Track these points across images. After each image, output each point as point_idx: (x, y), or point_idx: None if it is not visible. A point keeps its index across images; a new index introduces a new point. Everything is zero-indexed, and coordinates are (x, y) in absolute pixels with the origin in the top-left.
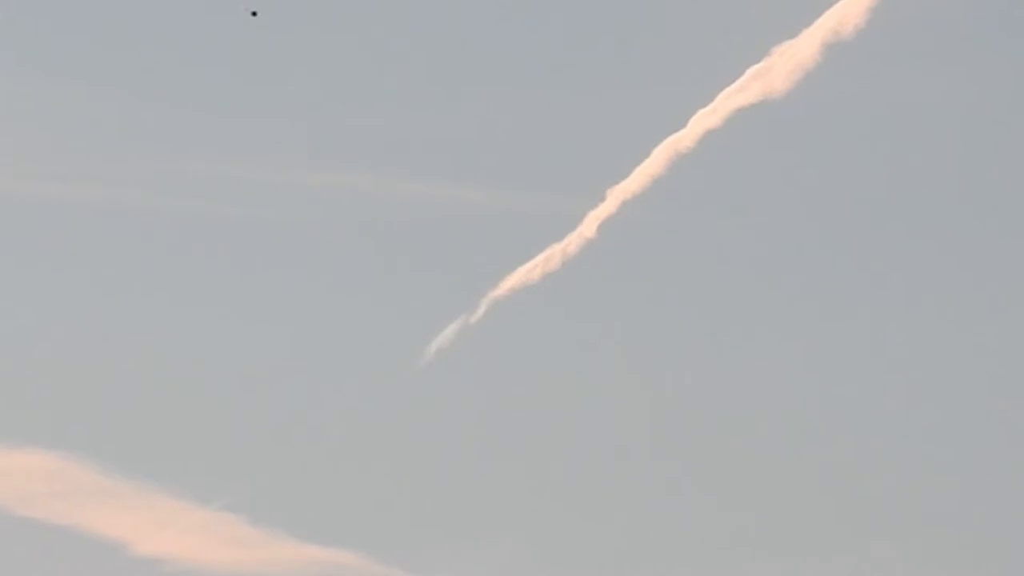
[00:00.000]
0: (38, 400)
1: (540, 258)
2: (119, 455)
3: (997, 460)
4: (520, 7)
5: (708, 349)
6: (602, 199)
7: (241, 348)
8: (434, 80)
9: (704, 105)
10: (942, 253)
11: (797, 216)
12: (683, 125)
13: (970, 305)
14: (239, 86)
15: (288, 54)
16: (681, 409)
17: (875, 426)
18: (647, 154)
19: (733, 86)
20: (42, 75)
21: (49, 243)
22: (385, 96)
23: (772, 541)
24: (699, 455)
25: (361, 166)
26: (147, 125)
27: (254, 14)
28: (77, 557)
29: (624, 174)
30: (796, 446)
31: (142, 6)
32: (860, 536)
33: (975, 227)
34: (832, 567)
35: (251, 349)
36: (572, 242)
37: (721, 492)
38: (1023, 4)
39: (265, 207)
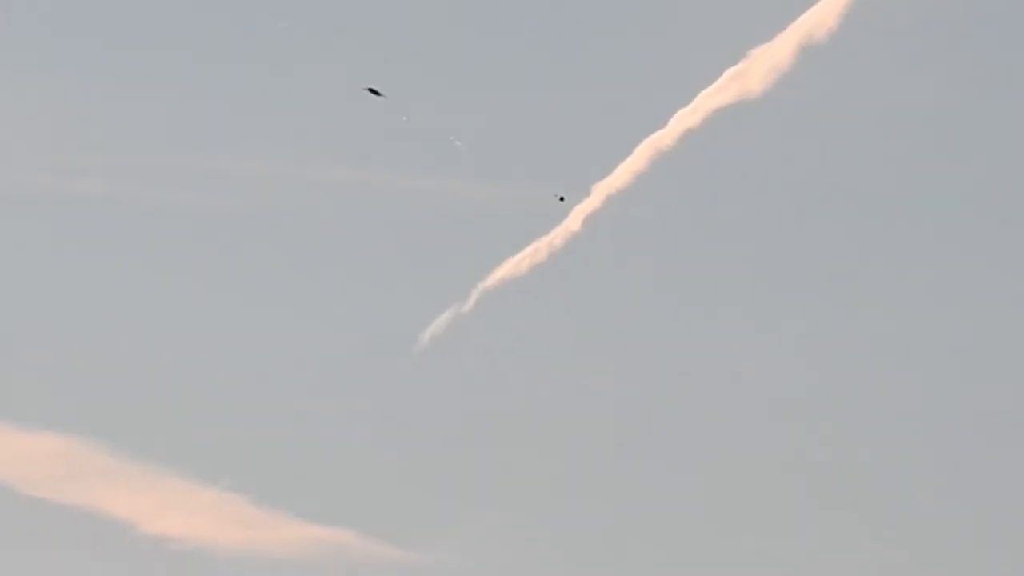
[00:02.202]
0: (50, 386)
1: (528, 250)
2: (128, 438)
3: (981, 451)
4: (511, 10)
5: (687, 338)
6: (587, 194)
7: (243, 336)
8: (427, 79)
9: (684, 105)
10: (915, 248)
11: (773, 211)
12: (664, 124)
13: (945, 298)
14: (239, 84)
15: (288, 55)
16: (660, 395)
17: (857, 415)
18: (630, 151)
19: (712, 87)
20: (44, 73)
21: (58, 236)
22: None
23: (760, 527)
24: (680, 441)
25: (356, 162)
26: (147, 121)
27: (562, 199)
28: (88, 536)
29: (608, 170)
30: (777, 434)
31: (144, 5)
32: (852, 526)
33: (947, 222)
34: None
35: (253, 338)
36: (558, 235)
37: (706, 478)
38: (990, 7)
39: (261, 201)
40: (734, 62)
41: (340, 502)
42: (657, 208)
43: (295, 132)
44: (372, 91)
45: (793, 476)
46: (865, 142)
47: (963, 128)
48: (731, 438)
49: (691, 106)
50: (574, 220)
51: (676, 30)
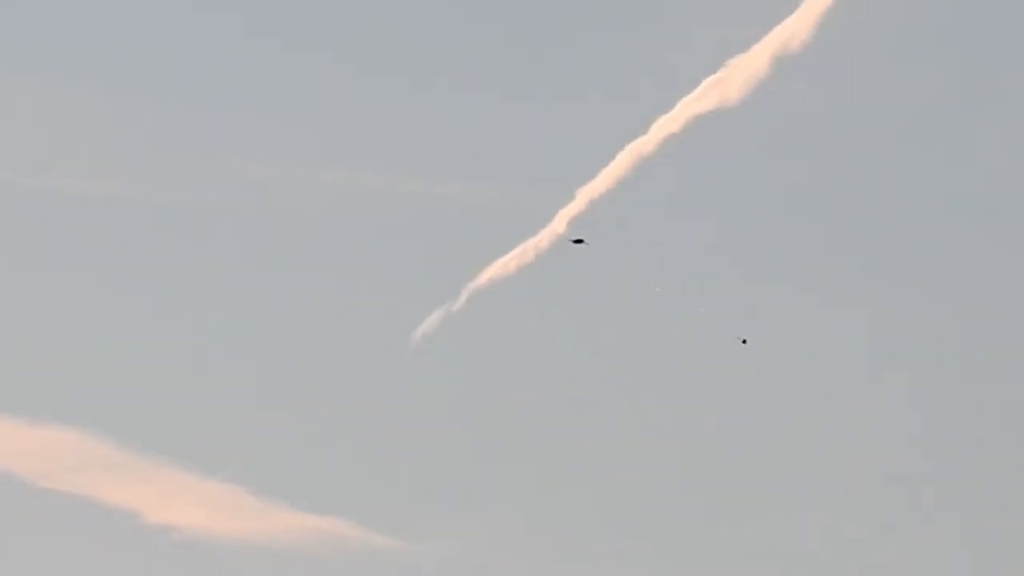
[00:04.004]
0: (56, 382)
1: (516, 251)
2: (132, 431)
3: (981, 450)
4: (500, 16)
5: (670, 336)
6: (572, 198)
7: (243, 334)
8: (422, 85)
9: (665, 112)
10: (893, 249)
11: (749, 213)
12: (646, 130)
13: (927, 298)
14: (239, 84)
15: (288, 55)
16: (646, 391)
17: (847, 413)
18: (613, 157)
19: (691, 95)
20: (44, 73)
21: (58, 236)
22: (373, 96)
23: (756, 524)
24: (668, 437)
25: (352, 163)
26: (147, 121)
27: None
28: (94, 525)
29: (592, 175)
30: (772, 433)
31: (145, 7)
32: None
33: (922, 224)
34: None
35: (253, 335)
36: (544, 237)
37: (696, 474)
38: (962, 16)
39: (261, 201)
40: (713, 71)
41: (336, 493)
42: (638, 211)
43: (295, 132)
44: (576, 241)
45: (788, 474)
46: (838, 148)
47: (936, 133)
48: (722, 436)
49: (672, 113)
50: (559, 223)
51: (657, 40)
